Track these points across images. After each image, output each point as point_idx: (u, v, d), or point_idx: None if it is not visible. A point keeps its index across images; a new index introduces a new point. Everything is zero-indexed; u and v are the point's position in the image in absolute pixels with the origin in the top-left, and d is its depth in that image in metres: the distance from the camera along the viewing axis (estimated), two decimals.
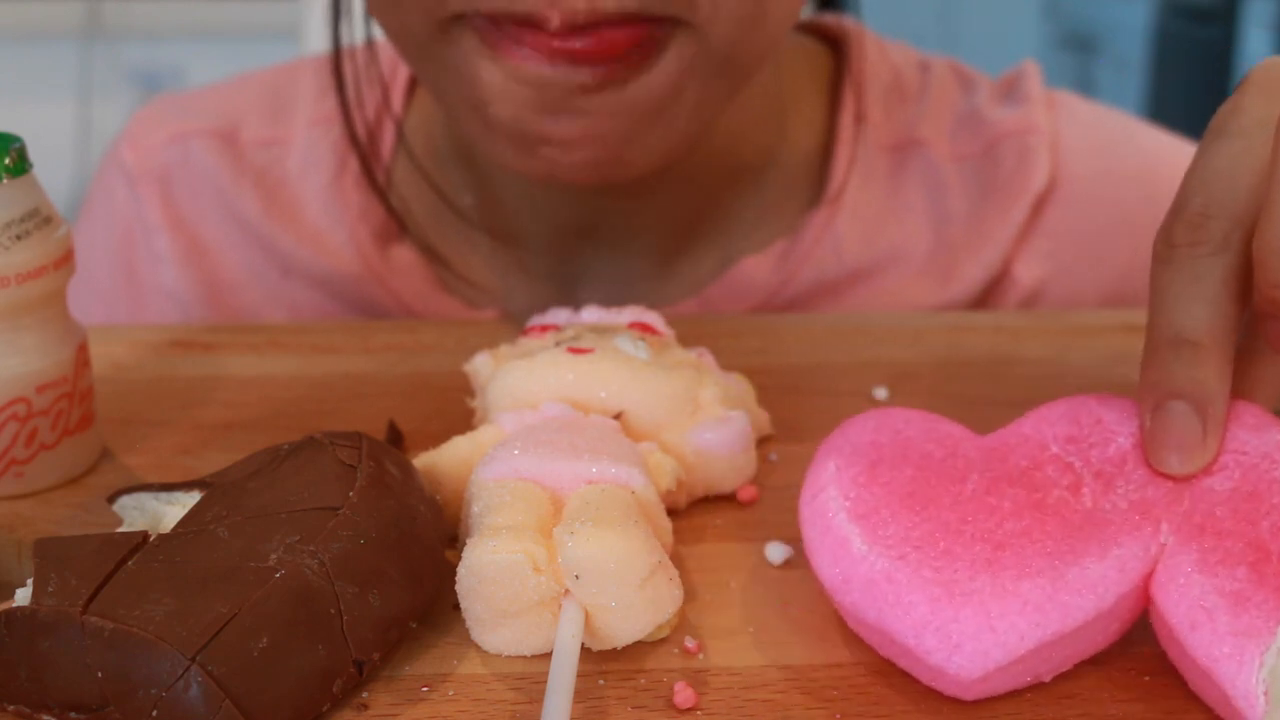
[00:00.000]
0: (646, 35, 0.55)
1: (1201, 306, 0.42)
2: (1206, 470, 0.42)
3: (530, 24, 0.54)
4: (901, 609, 0.40)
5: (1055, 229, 0.72)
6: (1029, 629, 0.39)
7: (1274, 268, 0.40)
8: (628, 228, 0.69)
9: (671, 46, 0.56)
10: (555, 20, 0.53)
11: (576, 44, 0.54)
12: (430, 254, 0.71)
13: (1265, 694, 0.37)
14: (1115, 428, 0.44)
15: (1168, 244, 0.43)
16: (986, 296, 0.72)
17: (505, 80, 0.56)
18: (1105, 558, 0.40)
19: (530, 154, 0.58)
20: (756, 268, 0.70)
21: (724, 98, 0.60)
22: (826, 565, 0.42)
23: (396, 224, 0.71)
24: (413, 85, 0.74)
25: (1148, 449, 0.42)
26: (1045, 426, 0.45)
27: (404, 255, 0.72)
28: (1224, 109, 0.45)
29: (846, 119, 0.72)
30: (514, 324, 0.58)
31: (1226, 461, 0.42)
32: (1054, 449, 0.44)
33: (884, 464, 0.44)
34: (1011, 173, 0.71)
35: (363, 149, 0.71)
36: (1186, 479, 0.42)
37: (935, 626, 0.39)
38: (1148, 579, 0.40)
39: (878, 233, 0.71)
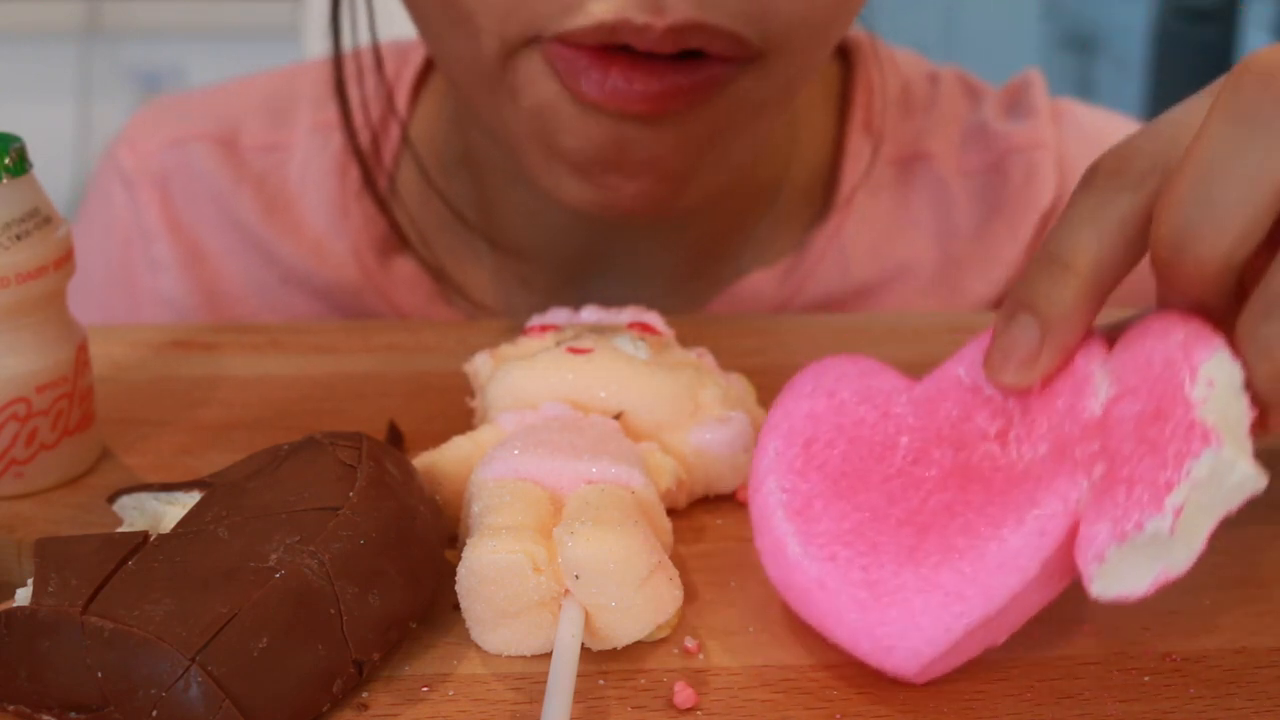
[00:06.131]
0: (716, 76, 0.54)
1: (1090, 233, 0.41)
2: (1117, 397, 0.41)
3: (606, 51, 0.53)
4: (834, 618, 0.41)
5: None
6: (953, 621, 0.39)
7: (1166, 222, 0.39)
8: (639, 253, 0.69)
9: (738, 81, 0.55)
10: (659, 27, 0.51)
11: (654, 85, 0.53)
12: (431, 267, 0.71)
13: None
14: None
15: (1092, 170, 0.42)
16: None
17: (578, 112, 0.55)
18: (1024, 524, 0.40)
19: (592, 183, 0.57)
20: (763, 283, 0.70)
21: (773, 126, 0.60)
22: (770, 565, 0.43)
23: (398, 236, 0.71)
24: (417, 93, 0.74)
25: (986, 354, 0.42)
26: (977, 367, 0.44)
27: (405, 267, 0.71)
28: (1219, 80, 0.43)
29: (855, 131, 0.71)
30: (514, 324, 0.58)
31: (1134, 383, 0.41)
32: (986, 390, 0.43)
33: (819, 442, 0.44)
34: (1019, 190, 0.71)
35: (364, 160, 0.70)
36: (1094, 412, 0.41)
37: (865, 632, 0.40)
38: (1072, 533, 0.40)
39: (884, 247, 0.70)
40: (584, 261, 0.69)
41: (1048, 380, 0.42)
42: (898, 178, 0.72)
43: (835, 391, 0.45)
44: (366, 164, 0.70)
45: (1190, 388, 0.39)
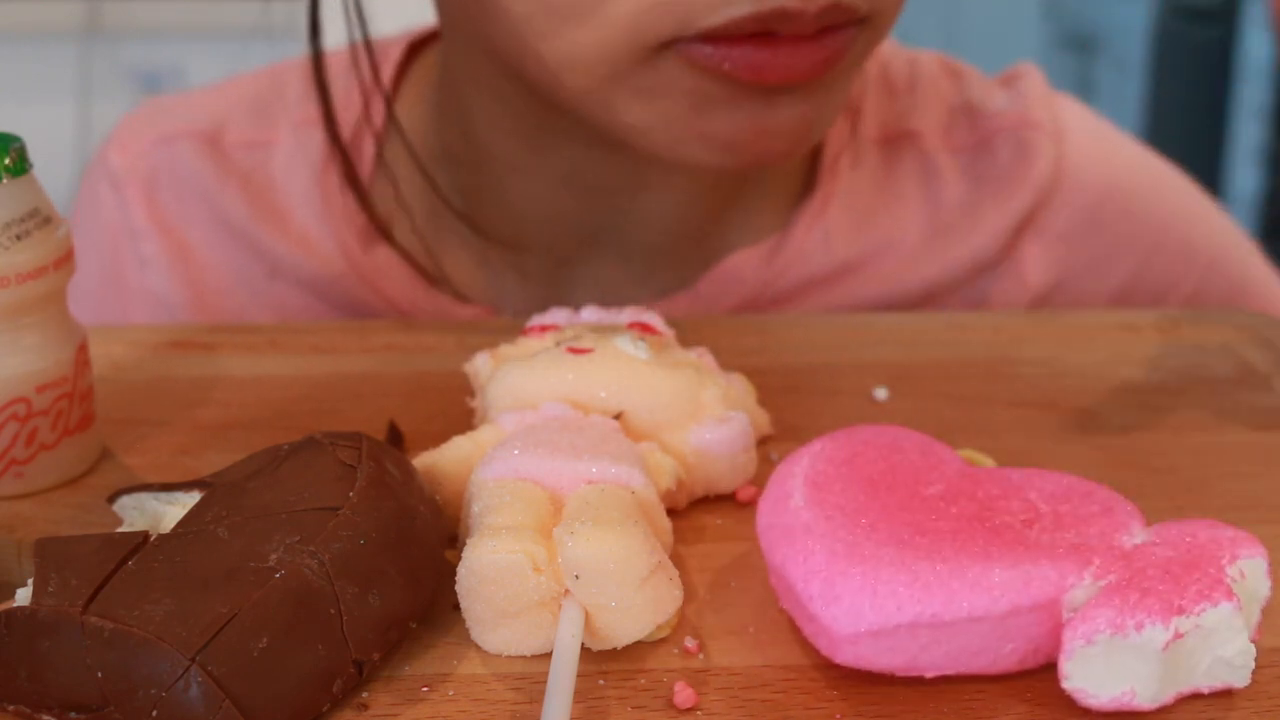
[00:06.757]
0: (848, 41, 0.57)
1: None
2: (1152, 544, 0.42)
3: (755, 35, 0.55)
4: (803, 555, 0.41)
5: (1068, 234, 0.72)
6: (908, 602, 0.39)
7: None
8: (630, 228, 0.69)
9: (856, 44, 0.58)
10: (811, 11, 0.54)
11: (804, 62, 0.55)
12: (414, 256, 0.71)
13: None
14: (1101, 499, 0.44)
15: None
16: (990, 291, 0.72)
17: (726, 98, 0.57)
18: (1015, 568, 0.40)
19: (736, 152, 0.59)
20: (746, 262, 0.70)
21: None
22: (764, 513, 0.44)
23: (378, 227, 0.71)
24: (396, 89, 0.74)
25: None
26: (1037, 481, 0.45)
27: (390, 255, 0.72)
28: None
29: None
30: (514, 324, 0.59)
31: (1172, 539, 0.42)
32: (1031, 495, 0.45)
33: (863, 458, 0.45)
34: (1009, 164, 0.72)
35: (344, 149, 0.71)
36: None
37: (824, 576, 0.41)
38: (1051, 614, 0.40)
39: (868, 224, 0.71)
40: (572, 247, 0.70)
41: (1088, 515, 0.44)
42: (882, 157, 0.73)
43: (898, 437, 0.47)
44: (347, 154, 0.71)
45: (1226, 564, 0.41)
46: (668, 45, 0.55)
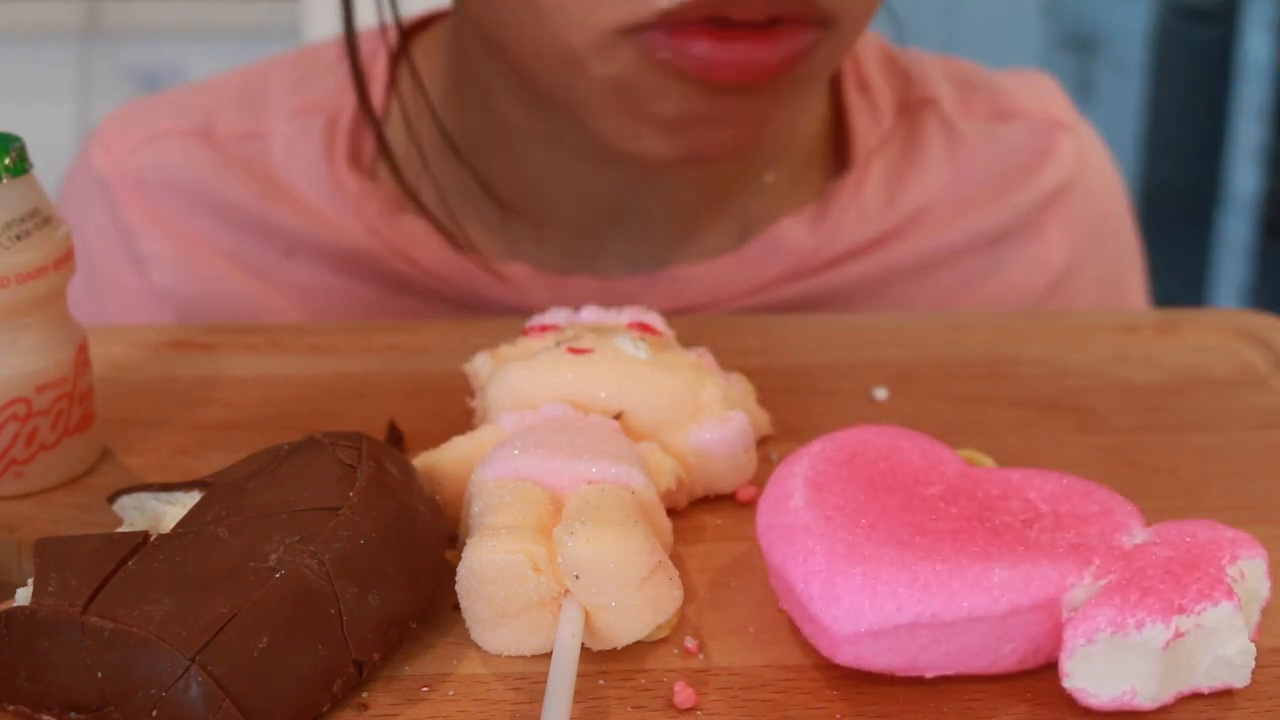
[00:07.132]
0: (805, 45, 0.57)
1: None
2: (1152, 544, 0.42)
3: (701, 25, 0.55)
4: (803, 555, 0.41)
5: (1085, 227, 0.75)
6: (908, 603, 0.40)
7: None
8: (655, 201, 0.70)
9: (818, 49, 0.58)
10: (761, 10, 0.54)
11: (757, 61, 0.56)
12: (442, 224, 0.71)
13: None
14: (1100, 499, 0.45)
15: None
16: (1014, 264, 0.74)
17: (677, 84, 0.57)
18: (1015, 568, 0.40)
19: (680, 139, 0.59)
20: (792, 230, 0.71)
21: (824, 84, 0.65)
22: (764, 513, 0.44)
23: (401, 200, 0.71)
24: (394, 69, 0.74)
25: None
26: (1036, 481, 0.45)
27: (417, 225, 0.72)
28: None
29: (851, 87, 0.74)
30: (513, 323, 0.59)
31: (1172, 539, 0.42)
32: (1031, 495, 0.45)
33: (863, 458, 0.46)
34: (1032, 147, 0.75)
35: (378, 125, 0.71)
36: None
37: (824, 576, 0.41)
38: (1051, 613, 0.40)
39: (901, 193, 0.73)
40: (593, 218, 0.70)
41: (1088, 515, 0.44)
42: (907, 124, 0.75)
43: (897, 437, 0.47)
44: (381, 131, 0.71)
45: (1226, 564, 0.41)
46: (627, 32, 0.56)
